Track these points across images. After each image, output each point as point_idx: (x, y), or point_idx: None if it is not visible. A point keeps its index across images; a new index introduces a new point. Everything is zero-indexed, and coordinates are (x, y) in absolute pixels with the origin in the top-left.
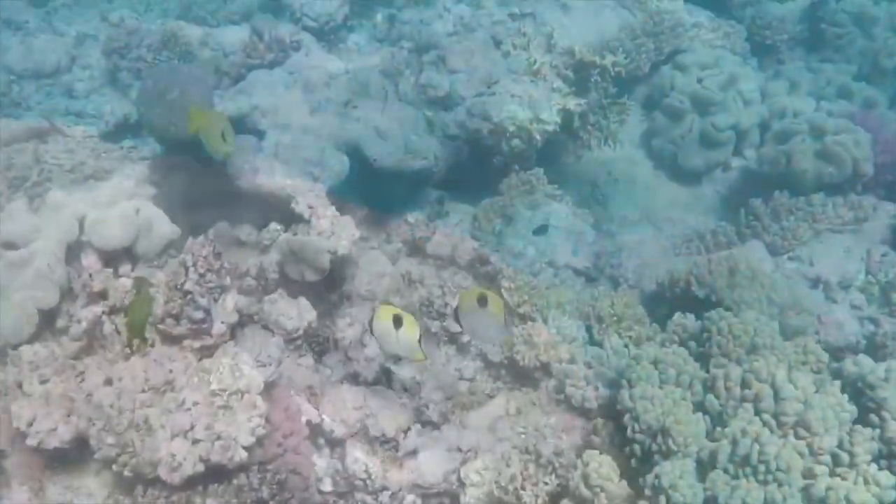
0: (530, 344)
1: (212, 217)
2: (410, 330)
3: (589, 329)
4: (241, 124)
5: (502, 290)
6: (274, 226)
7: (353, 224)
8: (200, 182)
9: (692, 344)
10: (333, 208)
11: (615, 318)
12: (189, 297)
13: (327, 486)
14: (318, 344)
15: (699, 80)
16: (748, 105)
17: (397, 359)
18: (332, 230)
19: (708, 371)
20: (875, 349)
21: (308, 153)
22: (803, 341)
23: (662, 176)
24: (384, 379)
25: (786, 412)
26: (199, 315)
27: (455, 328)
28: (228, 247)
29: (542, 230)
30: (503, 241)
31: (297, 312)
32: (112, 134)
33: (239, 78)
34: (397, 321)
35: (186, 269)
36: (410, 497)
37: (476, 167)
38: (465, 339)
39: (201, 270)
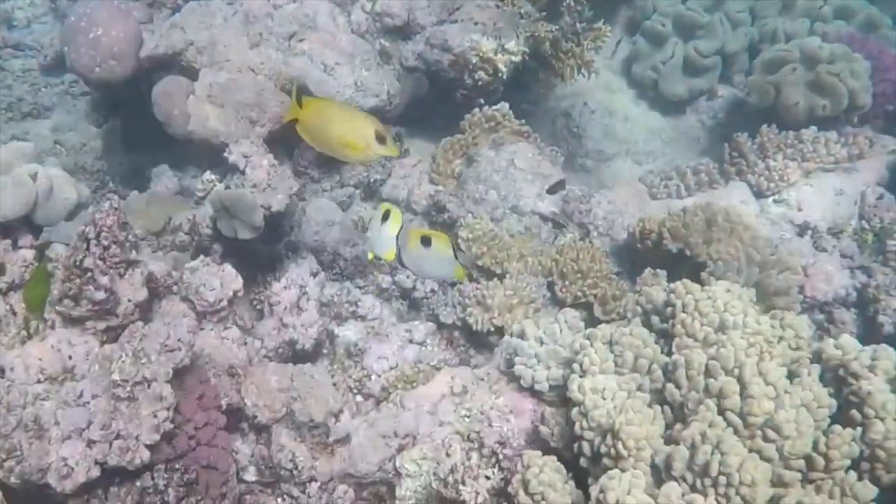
0: (484, 306)
1: (155, 159)
2: (393, 224)
3: (551, 286)
4: (173, 64)
5: (459, 241)
6: (208, 175)
7: (292, 175)
8: (142, 122)
9: (655, 319)
10: (271, 156)
11: (579, 275)
12: (88, 275)
13: (251, 476)
14: (258, 302)
15: (683, 1)
16: (736, 27)
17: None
18: (269, 182)
19: (671, 353)
20: (866, 303)
21: (245, 95)
22: (782, 313)
23: (643, 105)
24: (328, 343)
25: (753, 412)
26: (100, 296)
27: (406, 284)
28: (167, 195)
29: (558, 186)
30: (464, 184)
31: (220, 282)
32: (52, 67)
33: (176, 9)
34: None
35: (87, 241)
36: (342, 487)
37: (438, 102)
38: (418, 295)
39: (105, 243)
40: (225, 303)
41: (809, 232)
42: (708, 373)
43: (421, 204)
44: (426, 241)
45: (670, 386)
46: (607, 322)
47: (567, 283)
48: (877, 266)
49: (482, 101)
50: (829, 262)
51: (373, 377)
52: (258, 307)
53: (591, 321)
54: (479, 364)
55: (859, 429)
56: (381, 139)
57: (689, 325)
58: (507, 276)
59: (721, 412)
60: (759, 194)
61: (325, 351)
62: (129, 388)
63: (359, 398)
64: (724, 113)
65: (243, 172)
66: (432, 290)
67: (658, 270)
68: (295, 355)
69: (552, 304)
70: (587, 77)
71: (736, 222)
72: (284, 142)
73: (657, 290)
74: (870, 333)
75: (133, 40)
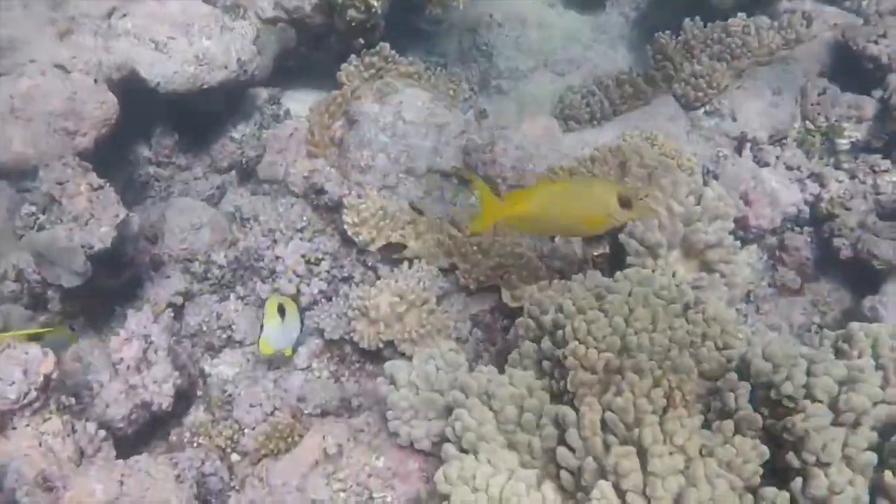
0: (368, 318)
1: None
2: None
3: (454, 269)
4: None
5: (345, 226)
6: (27, 208)
7: (117, 200)
8: None
9: (547, 345)
10: (93, 176)
11: (481, 255)
12: None
13: None
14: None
15: None
16: None
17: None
18: (91, 211)
19: (566, 392)
20: (821, 220)
21: (54, 103)
22: (703, 302)
23: (558, 6)
24: (202, 383)
25: (657, 496)
26: None
27: (289, 290)
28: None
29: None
30: (346, 151)
31: (22, 370)
32: None
33: None
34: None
35: None
36: None
37: (313, 51)
38: (304, 301)
39: None
40: (34, 393)
41: (748, 144)
42: (606, 428)
43: (298, 185)
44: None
45: (562, 450)
46: (517, 308)
47: (469, 266)
48: (828, 171)
49: (362, 41)
50: (774, 178)
51: (246, 431)
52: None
53: (502, 310)
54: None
55: (799, 480)
56: (624, 203)
57: (582, 356)
58: (396, 273)
59: (621, 495)
60: (688, 106)
61: (199, 393)
62: None
63: (235, 456)
64: (648, 2)
65: (60, 203)
66: (320, 292)
67: (572, 238)
68: (154, 419)
69: (457, 291)
70: None
71: (652, 165)
72: (129, 136)
73: (549, 298)
74: (826, 257)
75: None
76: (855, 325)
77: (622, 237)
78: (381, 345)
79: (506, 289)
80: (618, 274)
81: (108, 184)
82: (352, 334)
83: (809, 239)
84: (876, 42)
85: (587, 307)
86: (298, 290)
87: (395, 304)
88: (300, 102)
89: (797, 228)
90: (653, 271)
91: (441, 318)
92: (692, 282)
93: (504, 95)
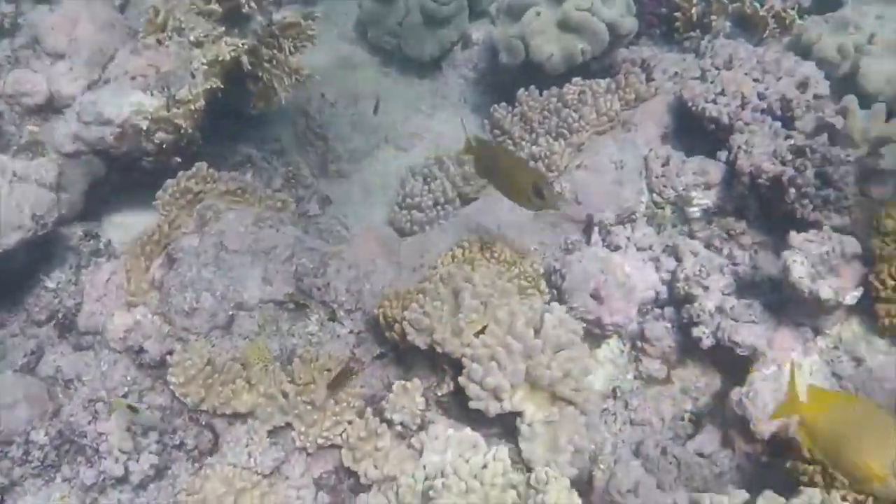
0: None
1: None
2: None
3: (291, 426)
4: None
5: (172, 387)
6: None
7: None
8: None
9: None
10: None
11: (315, 412)
12: None
13: None
14: None
15: None
16: None
17: None
18: None
19: None
20: (679, 302)
21: None
22: (540, 493)
23: (393, 74)
24: None
25: None
26: None
27: (116, 472)
28: None
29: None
30: (168, 296)
31: None
32: None
33: None
34: None
35: None
36: None
37: (125, 176)
38: (134, 479)
39: None
40: None
41: (596, 228)
42: None
43: (118, 342)
44: None
45: None
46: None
47: (304, 427)
48: (682, 241)
49: (178, 159)
50: (627, 263)
51: None
52: None
53: (347, 469)
54: None
55: None
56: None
57: None
58: (223, 447)
59: None
60: None
61: None
62: None
63: None
64: (486, 60)
65: None
66: (152, 466)
67: (408, 384)
68: None
69: (297, 450)
70: (302, 81)
71: (486, 294)
72: None
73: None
74: (688, 342)
75: None
76: None
77: (462, 381)
78: None
79: (346, 449)
80: (447, 467)
81: None
82: None
83: (671, 325)
84: (715, 102)
85: None
86: (127, 469)
87: (223, 496)
88: (122, 229)
89: (657, 310)
90: (484, 455)
91: (279, 498)
92: (545, 419)
93: (346, 179)
